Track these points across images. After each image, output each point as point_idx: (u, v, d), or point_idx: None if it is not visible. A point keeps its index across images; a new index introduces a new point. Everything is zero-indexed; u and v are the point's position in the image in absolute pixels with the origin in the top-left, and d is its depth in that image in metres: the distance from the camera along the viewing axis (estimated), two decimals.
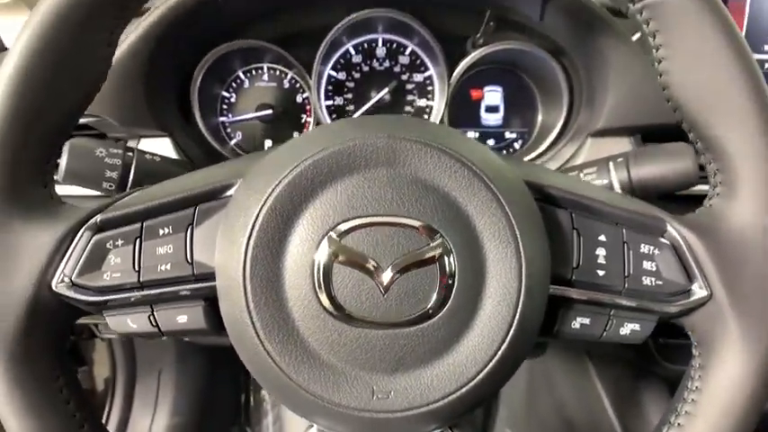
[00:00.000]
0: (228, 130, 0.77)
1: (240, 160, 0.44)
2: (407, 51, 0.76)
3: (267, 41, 0.71)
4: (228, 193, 0.38)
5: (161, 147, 0.65)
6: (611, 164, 0.53)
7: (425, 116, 0.77)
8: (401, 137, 0.34)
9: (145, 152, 0.53)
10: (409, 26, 0.71)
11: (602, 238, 0.38)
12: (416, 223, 0.34)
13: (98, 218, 0.37)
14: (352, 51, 0.76)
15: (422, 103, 0.78)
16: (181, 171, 0.55)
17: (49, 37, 0.33)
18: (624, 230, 0.39)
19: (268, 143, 0.78)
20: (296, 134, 0.78)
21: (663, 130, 0.62)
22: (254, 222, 0.34)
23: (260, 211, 0.34)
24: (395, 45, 0.76)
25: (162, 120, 0.63)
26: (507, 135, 0.79)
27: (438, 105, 0.76)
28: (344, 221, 0.34)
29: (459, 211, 0.34)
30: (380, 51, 0.76)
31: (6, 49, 0.77)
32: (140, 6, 0.38)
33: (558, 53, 0.70)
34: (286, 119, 0.77)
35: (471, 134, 0.79)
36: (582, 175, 0.55)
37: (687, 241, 0.38)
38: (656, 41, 0.38)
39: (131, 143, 0.64)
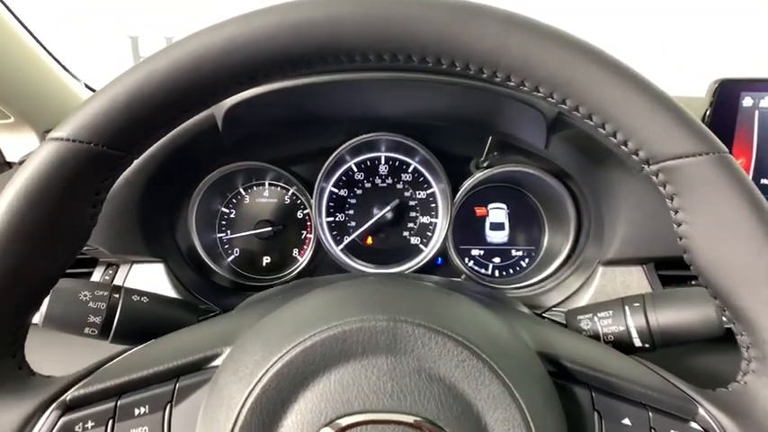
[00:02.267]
0: (226, 246, 0.75)
1: (228, 322, 0.41)
2: (410, 169, 0.75)
3: (269, 162, 0.71)
4: (213, 363, 0.35)
5: (154, 272, 0.62)
6: (626, 309, 0.50)
7: (428, 233, 0.75)
8: (403, 319, 0.31)
9: (132, 292, 0.50)
10: (411, 146, 0.70)
11: (627, 421, 0.34)
12: (419, 421, 0.30)
13: (68, 395, 0.34)
14: (355, 168, 0.75)
15: (425, 220, 0.76)
16: (170, 312, 0.52)
17: (25, 212, 0.31)
18: (651, 414, 0.35)
19: (266, 260, 0.76)
20: (295, 251, 0.76)
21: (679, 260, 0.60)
22: (238, 417, 0.30)
23: (244, 403, 0.30)
24: (397, 163, 0.75)
25: (155, 246, 0.61)
26: (513, 253, 0.77)
27: (441, 223, 0.74)
28: (339, 418, 0.30)
29: (466, 406, 0.30)
30: (383, 169, 0.76)
31: (8, 163, 0.77)
32: (129, 164, 0.36)
33: (564, 176, 0.68)
34: (286, 235, 0.75)
35: (476, 252, 0.77)
36: (596, 319, 0.51)
37: (721, 425, 0.34)
38: (675, 204, 0.36)
39: (123, 270, 0.62)
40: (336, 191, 0.75)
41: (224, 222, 0.75)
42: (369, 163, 0.75)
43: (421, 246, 0.75)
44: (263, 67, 0.32)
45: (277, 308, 0.36)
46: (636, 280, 0.63)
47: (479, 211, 0.77)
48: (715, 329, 0.47)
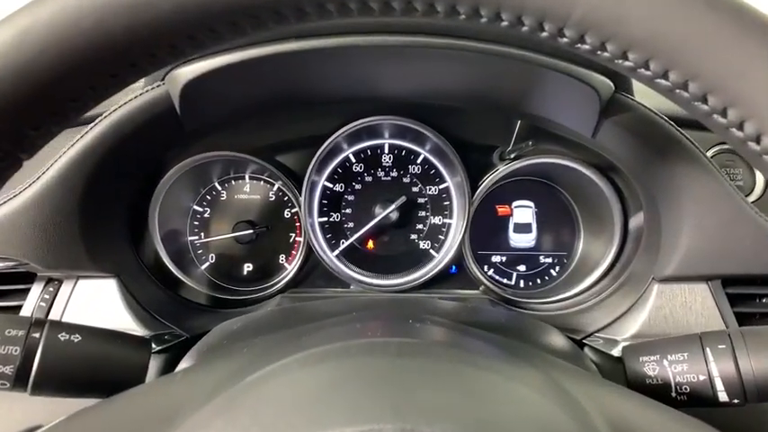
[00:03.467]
0: (200, 251, 0.63)
1: (170, 393, 0.28)
2: (419, 160, 0.63)
3: (248, 151, 0.58)
4: None
5: (104, 289, 0.50)
6: (708, 351, 0.38)
7: (440, 236, 0.63)
8: (414, 422, 0.19)
9: (60, 328, 0.38)
10: (421, 132, 0.58)
11: None
12: None
13: None
14: (353, 159, 0.63)
15: (437, 220, 0.63)
16: (112, 352, 0.40)
17: None
18: None
19: (247, 267, 0.64)
20: (282, 257, 0.64)
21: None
22: None
23: None
24: (404, 152, 0.63)
25: (103, 258, 0.49)
26: (542, 259, 0.65)
27: (457, 224, 0.61)
28: None
29: None
30: (386, 159, 0.63)
31: None
32: (16, 168, 0.24)
33: (610, 171, 0.56)
34: (270, 238, 0.63)
35: (498, 258, 0.65)
36: (666, 363, 0.39)
37: None
38: None
39: (67, 286, 0.50)
40: (331, 186, 0.63)
41: (197, 223, 0.63)
42: (369, 152, 0.63)
43: (432, 251, 0.63)
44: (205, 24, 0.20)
45: (240, 376, 0.24)
46: (700, 301, 0.51)
47: (502, 210, 0.64)
48: None
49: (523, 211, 0.64)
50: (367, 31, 0.44)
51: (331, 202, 0.63)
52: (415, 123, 0.57)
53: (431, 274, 0.61)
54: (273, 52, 0.44)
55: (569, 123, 0.50)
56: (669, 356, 0.39)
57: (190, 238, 0.63)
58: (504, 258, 0.65)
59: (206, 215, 0.63)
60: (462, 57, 0.46)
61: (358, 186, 0.63)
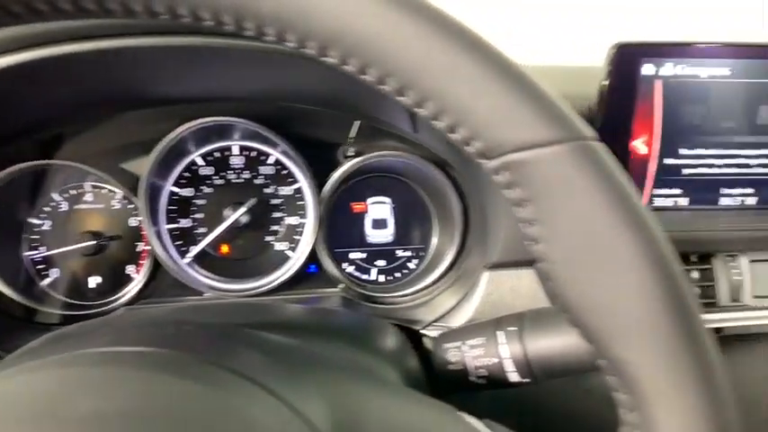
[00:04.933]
0: (41, 266, 0.60)
1: None
2: (271, 160, 0.62)
3: (87, 158, 0.56)
4: None
5: None
6: (500, 334, 0.39)
7: (296, 236, 0.63)
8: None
9: None
10: (263, 133, 0.57)
11: None
12: None
13: None
14: (201, 162, 0.61)
15: (292, 220, 0.63)
16: None
17: None
18: None
19: (95, 280, 0.61)
20: (131, 268, 0.61)
21: None
22: None
23: None
24: (254, 153, 0.62)
25: None
26: (400, 254, 0.66)
27: (310, 223, 0.61)
28: None
29: None
30: (237, 161, 0.62)
31: None
32: None
33: (447, 165, 0.57)
34: (116, 249, 0.61)
35: (356, 255, 0.65)
36: (465, 348, 0.41)
37: None
38: (526, 214, 0.25)
39: None
40: (178, 190, 0.61)
41: (35, 237, 0.59)
42: (218, 154, 0.62)
43: (288, 252, 0.63)
44: None
45: None
46: (526, 285, 0.53)
47: (357, 207, 0.65)
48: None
49: (380, 207, 0.65)
50: (170, 32, 0.43)
51: (180, 207, 0.61)
52: (253, 126, 0.56)
53: (287, 276, 0.61)
54: (88, 49, 0.42)
55: (394, 120, 0.51)
56: (468, 342, 0.41)
57: (27, 254, 0.59)
58: (362, 255, 0.65)
59: (44, 228, 0.60)
60: (298, 60, 0.45)
61: (208, 190, 0.62)
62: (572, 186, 0.24)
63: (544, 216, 0.25)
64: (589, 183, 0.24)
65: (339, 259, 0.65)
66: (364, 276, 0.65)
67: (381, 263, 0.65)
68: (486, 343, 0.40)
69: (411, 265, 0.66)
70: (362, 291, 0.62)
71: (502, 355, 0.39)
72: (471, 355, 0.40)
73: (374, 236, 0.65)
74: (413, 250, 0.66)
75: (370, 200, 0.65)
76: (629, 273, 0.24)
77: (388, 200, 0.65)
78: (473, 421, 0.29)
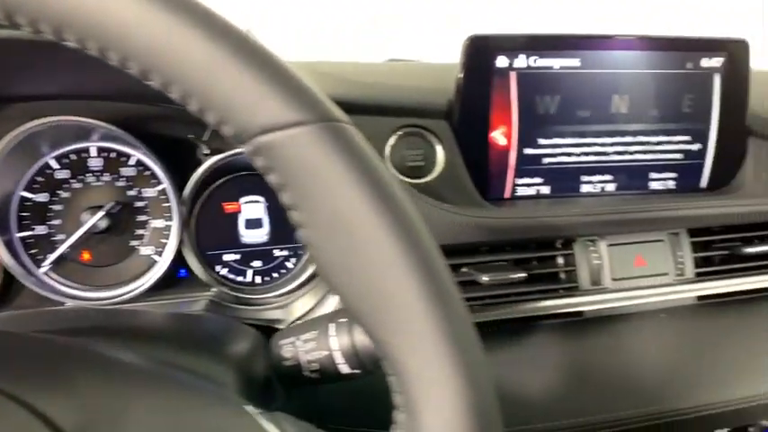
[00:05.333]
0: None
1: None
2: (132, 161, 0.60)
3: None
4: None
5: None
6: (331, 326, 0.39)
7: (163, 240, 0.60)
8: None
9: None
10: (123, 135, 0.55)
11: None
12: None
13: None
14: (56, 164, 0.58)
15: (158, 223, 0.61)
16: None
17: None
18: None
19: None
20: None
21: None
22: None
23: None
24: (114, 154, 0.59)
25: None
26: (276, 253, 0.64)
27: (175, 225, 0.59)
28: None
29: None
30: (95, 163, 0.59)
31: None
32: None
33: None
34: None
35: (230, 257, 0.63)
36: (299, 343, 0.40)
37: None
38: (286, 200, 0.25)
39: None
40: (31, 196, 0.57)
41: None
42: (75, 157, 0.59)
43: (155, 257, 0.60)
44: None
45: None
46: None
47: (230, 207, 0.63)
48: None
49: (253, 207, 0.63)
50: None
51: (34, 213, 0.58)
52: (105, 126, 0.54)
53: (152, 281, 0.58)
54: None
55: None
56: (302, 337, 0.40)
57: None
58: (237, 256, 0.64)
59: None
60: None
61: (65, 194, 0.59)
62: (320, 169, 0.24)
63: (300, 201, 0.24)
64: (336, 165, 0.24)
65: (211, 262, 0.63)
66: (239, 278, 0.63)
67: (257, 264, 0.64)
68: (318, 336, 0.39)
69: (289, 265, 0.65)
70: (237, 294, 0.61)
71: (332, 347, 0.38)
72: (304, 349, 0.39)
73: (249, 236, 0.64)
74: (290, 249, 0.65)
75: (242, 199, 0.63)
76: (381, 255, 0.24)
77: (261, 198, 0.63)
78: (266, 424, 0.28)
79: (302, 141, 0.23)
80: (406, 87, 0.58)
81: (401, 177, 0.54)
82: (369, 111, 0.55)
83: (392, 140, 0.55)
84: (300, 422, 0.31)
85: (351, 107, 0.54)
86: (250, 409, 0.29)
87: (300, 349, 0.40)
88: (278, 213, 0.64)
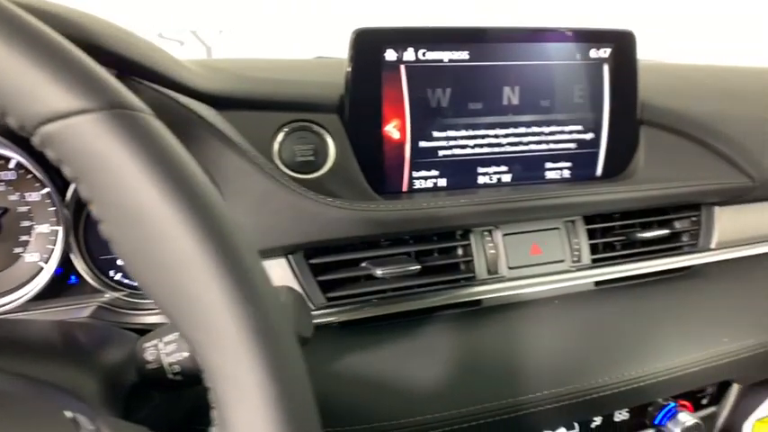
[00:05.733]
0: None
1: None
2: (12, 164, 0.57)
3: None
4: None
5: None
6: None
7: (49, 246, 0.58)
8: None
9: None
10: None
11: None
12: None
13: None
14: None
15: (44, 229, 0.58)
16: None
17: None
18: None
19: None
20: None
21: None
22: None
23: None
24: None
25: None
26: None
27: (60, 230, 0.57)
28: None
29: None
30: None
31: None
32: None
33: None
34: None
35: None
36: (161, 345, 0.39)
37: None
38: (82, 192, 0.24)
39: None
40: None
41: None
42: None
43: (41, 263, 0.58)
44: None
45: None
46: (280, 275, 0.52)
47: None
48: None
49: None
50: None
51: None
52: None
53: (38, 289, 0.56)
54: None
55: None
56: (164, 338, 0.39)
57: None
58: None
59: None
60: None
61: None
62: (108, 161, 0.23)
63: (94, 194, 0.23)
64: (125, 156, 0.23)
65: (104, 266, 0.60)
66: (134, 283, 0.61)
67: None
68: (179, 338, 0.38)
69: None
70: (132, 299, 0.59)
71: (184, 351, 0.37)
72: (166, 351, 0.38)
73: None
74: None
75: None
76: (178, 250, 0.23)
77: None
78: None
79: (87, 130, 0.22)
80: (297, 82, 0.57)
81: (291, 173, 0.53)
82: (255, 106, 0.54)
83: (281, 136, 0.54)
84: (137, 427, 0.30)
85: (236, 102, 0.53)
86: (82, 420, 0.28)
87: (162, 351, 0.38)
88: None
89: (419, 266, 0.56)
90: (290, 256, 0.53)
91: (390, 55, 0.56)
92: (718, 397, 0.71)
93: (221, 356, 0.24)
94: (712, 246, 0.70)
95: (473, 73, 0.59)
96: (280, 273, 0.52)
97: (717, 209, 0.71)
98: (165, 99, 0.44)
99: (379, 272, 0.55)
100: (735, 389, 0.70)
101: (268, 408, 0.24)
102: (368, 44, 0.55)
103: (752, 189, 0.67)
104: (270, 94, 0.54)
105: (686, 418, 0.64)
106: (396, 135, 0.58)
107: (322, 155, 0.55)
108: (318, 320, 0.53)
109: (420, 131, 0.59)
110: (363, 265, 0.57)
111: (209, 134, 0.46)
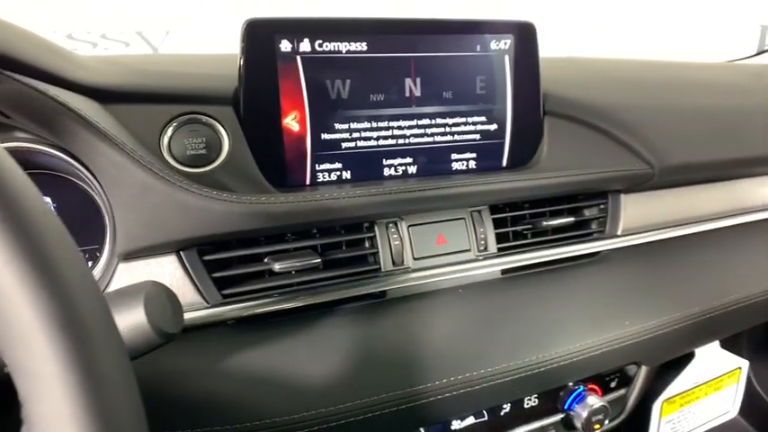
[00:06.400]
0: None
1: None
2: None
3: None
4: None
5: None
6: None
7: None
8: None
9: None
10: None
11: None
12: None
13: None
14: None
15: None
16: None
17: None
18: None
19: None
20: None
21: None
22: None
23: None
24: None
25: None
26: None
27: None
28: None
29: None
30: None
31: None
32: None
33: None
34: None
35: None
36: None
37: None
38: None
39: None
40: None
41: None
42: None
43: None
44: None
45: None
46: (169, 272, 0.51)
47: None
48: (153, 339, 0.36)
49: None
50: None
51: None
52: None
53: None
54: None
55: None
56: None
57: None
58: None
59: None
60: None
61: None
62: None
63: None
64: None
65: None
66: None
67: None
68: None
69: None
70: None
71: None
72: None
73: None
74: (84, 252, 0.60)
75: None
76: None
77: (48, 200, 0.59)
78: None
79: None
80: (189, 74, 0.56)
81: (181, 167, 0.52)
82: (143, 99, 0.52)
83: (170, 129, 0.52)
84: None
85: (122, 96, 0.51)
86: None
87: None
88: (69, 214, 0.60)
89: (319, 259, 0.55)
90: (181, 253, 0.51)
91: (285, 46, 0.55)
92: (627, 380, 0.73)
93: (22, 351, 0.23)
94: (618, 232, 0.72)
95: (373, 64, 0.59)
96: (171, 270, 0.51)
97: (623, 197, 0.73)
98: (28, 90, 0.42)
99: (277, 266, 0.54)
100: (643, 371, 0.73)
101: (71, 402, 0.22)
102: (260, 35, 0.54)
103: (652, 176, 0.69)
104: (158, 86, 0.53)
105: (594, 401, 0.66)
106: (295, 128, 0.57)
107: (215, 148, 0.54)
108: (213, 318, 0.51)
109: (321, 124, 0.58)
110: (266, 260, 0.56)
111: (80, 127, 0.44)
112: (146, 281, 0.42)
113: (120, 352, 0.26)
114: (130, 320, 0.35)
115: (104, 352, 0.24)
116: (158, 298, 0.36)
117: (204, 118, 0.54)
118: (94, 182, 0.54)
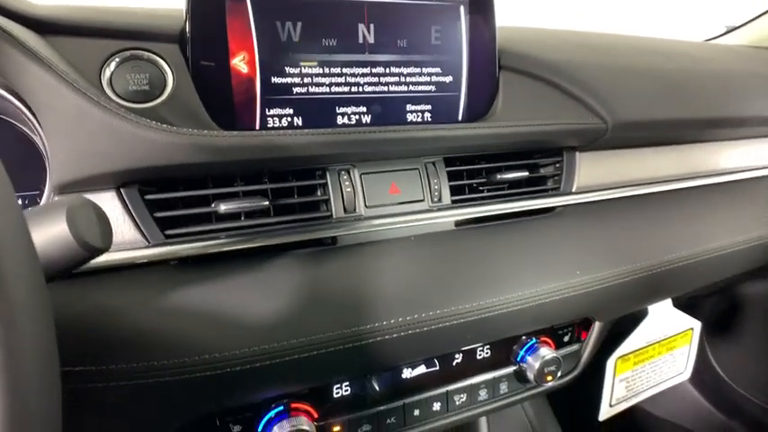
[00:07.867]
0: None
1: None
2: None
3: None
4: None
5: None
6: None
7: None
8: None
9: None
10: None
11: None
12: None
13: None
14: None
15: None
16: None
17: None
18: None
19: None
20: None
21: None
22: None
23: None
24: None
25: None
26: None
27: None
28: None
29: None
30: None
31: None
32: None
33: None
34: None
35: None
36: None
37: None
38: None
39: None
40: None
41: None
42: None
43: None
44: None
45: None
46: (107, 210, 0.49)
47: None
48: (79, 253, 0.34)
49: None
50: None
51: None
52: None
53: None
54: None
55: None
56: None
57: None
58: None
59: None
60: None
61: None
62: None
63: None
64: None
65: None
66: None
67: None
68: None
69: None
70: None
71: None
72: None
73: None
74: (28, 198, 0.58)
75: None
76: None
77: None
78: None
79: None
80: (133, 12, 0.54)
81: (123, 102, 0.50)
82: (84, 32, 0.50)
83: (113, 64, 0.51)
84: None
85: (63, 28, 0.50)
86: None
87: None
88: (18, 161, 0.58)
89: (267, 202, 0.54)
90: (122, 190, 0.50)
91: None
92: (580, 336, 0.74)
93: None
94: (573, 189, 0.73)
95: (325, 7, 0.58)
96: (110, 207, 0.49)
97: (578, 155, 0.74)
98: None
99: (223, 207, 0.53)
100: (596, 326, 0.74)
101: None
102: None
103: (605, 131, 0.70)
104: (101, 21, 0.51)
105: (546, 352, 0.67)
106: (244, 69, 0.56)
107: (158, 85, 0.52)
108: (153, 257, 0.50)
109: (271, 67, 0.57)
110: (213, 204, 0.54)
111: (14, 50, 0.43)
112: (71, 195, 0.41)
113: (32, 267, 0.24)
114: (51, 233, 0.33)
115: (11, 268, 0.23)
116: (83, 210, 0.35)
117: (148, 54, 0.53)
118: (33, 120, 0.52)
